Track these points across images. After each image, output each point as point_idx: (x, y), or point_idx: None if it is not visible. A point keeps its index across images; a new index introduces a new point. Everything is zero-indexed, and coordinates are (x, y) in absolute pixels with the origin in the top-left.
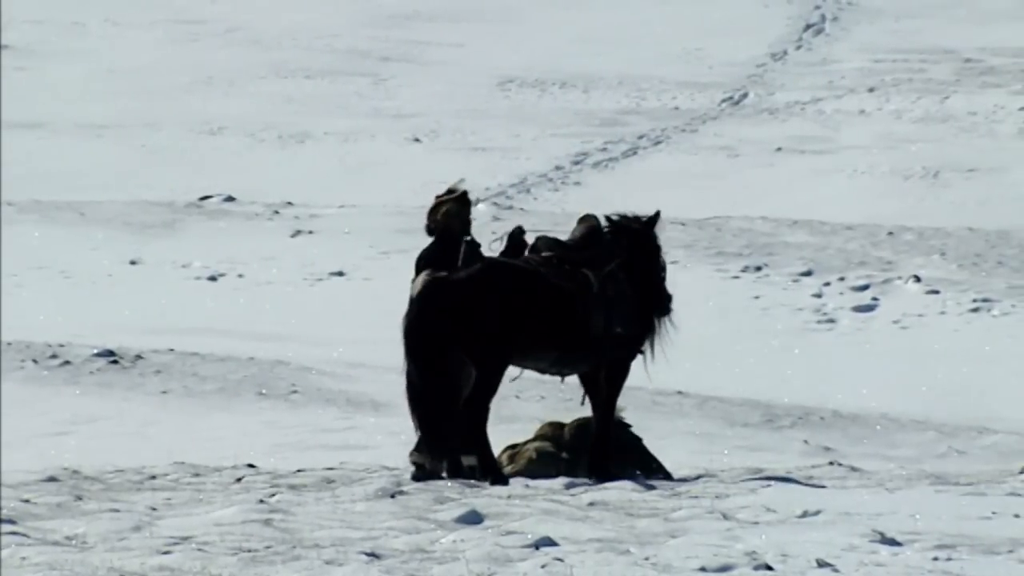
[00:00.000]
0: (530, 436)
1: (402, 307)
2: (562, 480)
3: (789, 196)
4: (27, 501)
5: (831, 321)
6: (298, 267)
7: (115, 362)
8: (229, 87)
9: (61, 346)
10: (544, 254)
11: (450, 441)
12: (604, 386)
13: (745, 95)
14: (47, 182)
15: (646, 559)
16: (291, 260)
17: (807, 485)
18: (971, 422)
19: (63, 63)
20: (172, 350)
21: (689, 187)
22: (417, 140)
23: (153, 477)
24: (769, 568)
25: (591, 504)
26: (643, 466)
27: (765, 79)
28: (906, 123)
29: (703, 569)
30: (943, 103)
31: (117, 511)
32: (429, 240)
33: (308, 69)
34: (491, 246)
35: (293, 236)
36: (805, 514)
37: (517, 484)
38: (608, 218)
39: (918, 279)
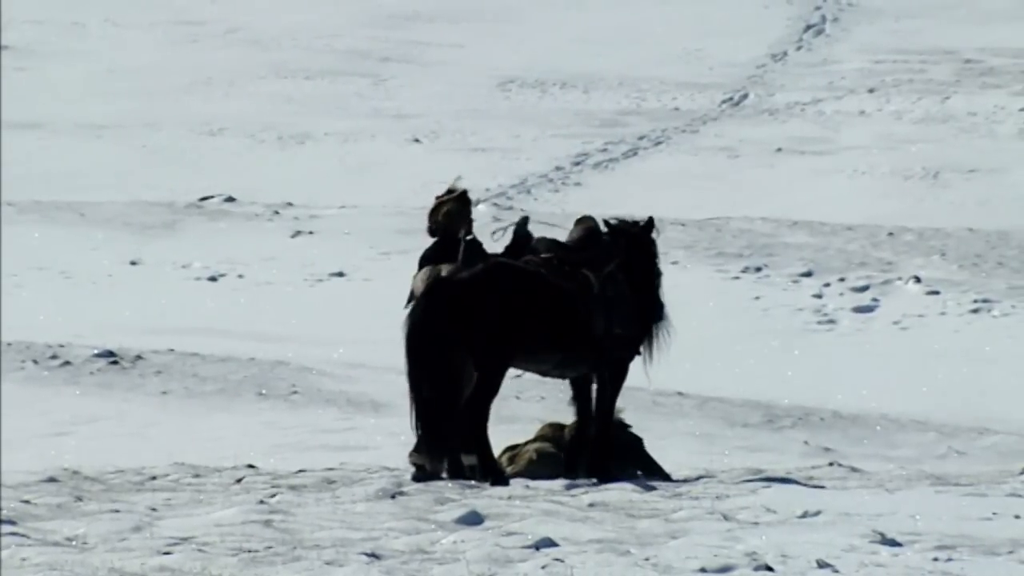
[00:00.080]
0: (530, 437)
1: (402, 307)
2: (562, 481)
3: (789, 197)
4: (27, 502)
5: (831, 322)
6: (298, 267)
7: (115, 363)
8: (229, 87)
9: (61, 346)
10: (543, 255)
11: (450, 441)
12: (603, 387)
13: (745, 96)
14: (47, 182)
15: (646, 560)
16: (291, 260)
17: (807, 486)
18: (971, 423)
19: (63, 63)
20: (172, 350)
21: (689, 188)
22: (417, 141)
23: (153, 478)
24: (769, 569)
25: (591, 505)
26: (644, 467)
27: (765, 80)
28: (906, 124)
29: (703, 570)
30: (943, 104)
31: (117, 512)
32: (431, 241)
33: (308, 69)
34: (493, 237)
35: (293, 236)
36: (805, 515)
37: (517, 485)
38: (606, 222)
39: (918, 280)
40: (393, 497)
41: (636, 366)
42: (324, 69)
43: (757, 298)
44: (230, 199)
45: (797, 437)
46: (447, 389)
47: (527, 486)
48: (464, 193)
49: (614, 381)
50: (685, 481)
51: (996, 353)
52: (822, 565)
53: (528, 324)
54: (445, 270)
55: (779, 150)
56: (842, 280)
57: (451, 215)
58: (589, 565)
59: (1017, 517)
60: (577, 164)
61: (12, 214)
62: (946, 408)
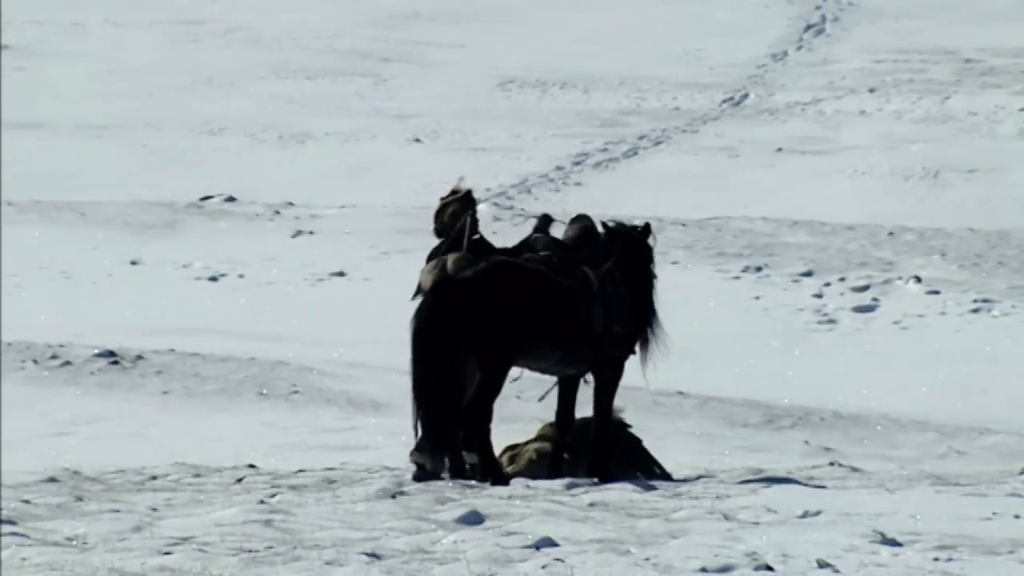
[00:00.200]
0: (531, 436)
1: (403, 307)
2: (562, 481)
3: (789, 196)
4: (27, 502)
5: (832, 322)
6: (299, 267)
7: (116, 363)
8: (230, 87)
9: (62, 346)
10: (542, 253)
11: (452, 440)
12: (601, 386)
13: (746, 96)
14: (47, 182)
15: (647, 560)
16: (292, 260)
17: (808, 486)
18: (971, 422)
19: (63, 63)
20: (173, 350)
21: (689, 188)
22: (418, 140)
23: (154, 478)
24: (770, 569)
25: (592, 505)
26: (644, 467)
27: (766, 80)
28: (906, 123)
29: (704, 570)
30: (943, 103)
31: (118, 512)
32: (435, 241)
33: (309, 69)
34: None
35: (294, 236)
36: (806, 514)
37: (518, 485)
38: (604, 223)
39: (919, 279)
40: (393, 497)
41: (632, 366)
42: (325, 69)
43: (757, 298)
44: (231, 199)
45: (797, 437)
46: (451, 388)
47: (527, 486)
48: (468, 193)
49: (613, 380)
50: (685, 481)
51: (996, 353)
52: (822, 565)
53: (530, 322)
54: (451, 261)
55: (779, 150)
56: (842, 280)
57: (456, 216)
58: (589, 565)
59: (1017, 517)
60: (577, 164)
61: (12, 214)
62: (946, 408)
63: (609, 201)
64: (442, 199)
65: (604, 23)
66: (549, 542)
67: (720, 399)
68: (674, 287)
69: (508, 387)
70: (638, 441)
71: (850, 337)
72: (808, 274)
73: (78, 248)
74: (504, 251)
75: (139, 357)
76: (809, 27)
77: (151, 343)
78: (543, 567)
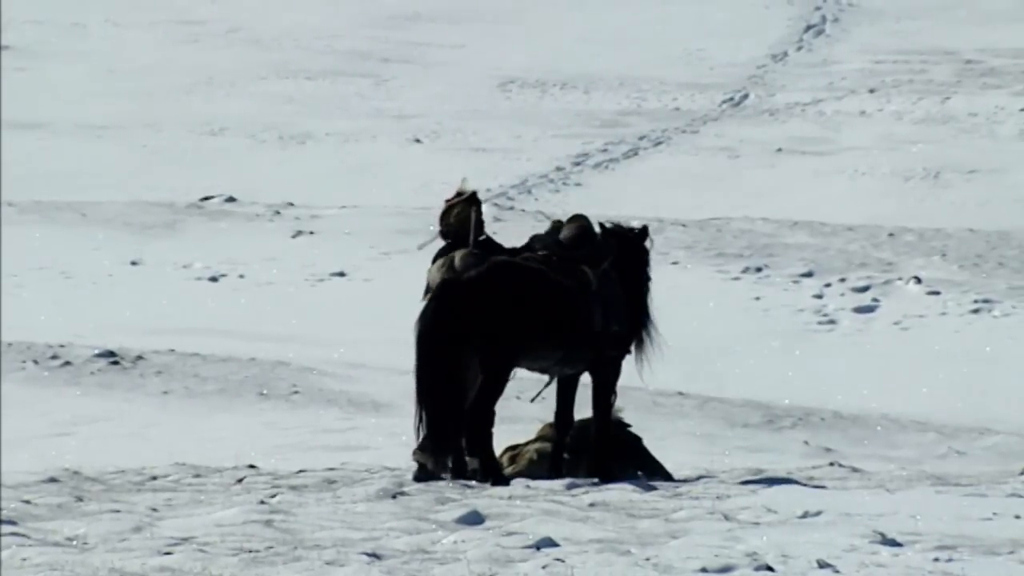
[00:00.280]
0: (531, 437)
1: (403, 307)
2: (562, 481)
3: (790, 197)
4: (28, 502)
5: (832, 322)
6: (299, 268)
7: (116, 363)
8: (230, 88)
9: (62, 347)
10: (540, 252)
11: (455, 441)
12: (600, 386)
13: (746, 96)
14: (47, 182)
15: (647, 560)
16: (292, 261)
17: (808, 486)
18: (972, 423)
19: (63, 63)
20: (173, 351)
21: (689, 188)
22: (418, 141)
23: (154, 478)
24: (770, 569)
25: (592, 505)
26: (644, 467)
27: (766, 80)
28: (907, 124)
29: (704, 570)
30: (944, 104)
31: (118, 512)
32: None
33: (309, 70)
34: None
35: (294, 237)
36: (806, 515)
37: (518, 485)
38: (601, 224)
39: (919, 280)
40: (394, 497)
41: (628, 366)
42: (325, 69)
43: (757, 298)
44: (231, 199)
45: (797, 437)
46: (455, 389)
47: (527, 486)
48: (474, 194)
49: (611, 380)
50: (685, 481)
51: (996, 353)
52: (822, 565)
53: (533, 322)
54: (459, 258)
55: (779, 150)
56: (843, 280)
57: (462, 217)
58: (589, 565)
59: (1017, 517)
60: (577, 164)
61: (12, 214)
62: (946, 408)
63: (609, 202)
64: (447, 201)
65: (604, 23)
66: (549, 542)
67: (720, 399)
68: (674, 287)
69: (508, 387)
70: (638, 440)
71: (850, 337)
72: (808, 275)
73: (78, 248)
74: (512, 251)
75: (139, 357)
76: (809, 28)
77: (151, 343)
78: (543, 567)
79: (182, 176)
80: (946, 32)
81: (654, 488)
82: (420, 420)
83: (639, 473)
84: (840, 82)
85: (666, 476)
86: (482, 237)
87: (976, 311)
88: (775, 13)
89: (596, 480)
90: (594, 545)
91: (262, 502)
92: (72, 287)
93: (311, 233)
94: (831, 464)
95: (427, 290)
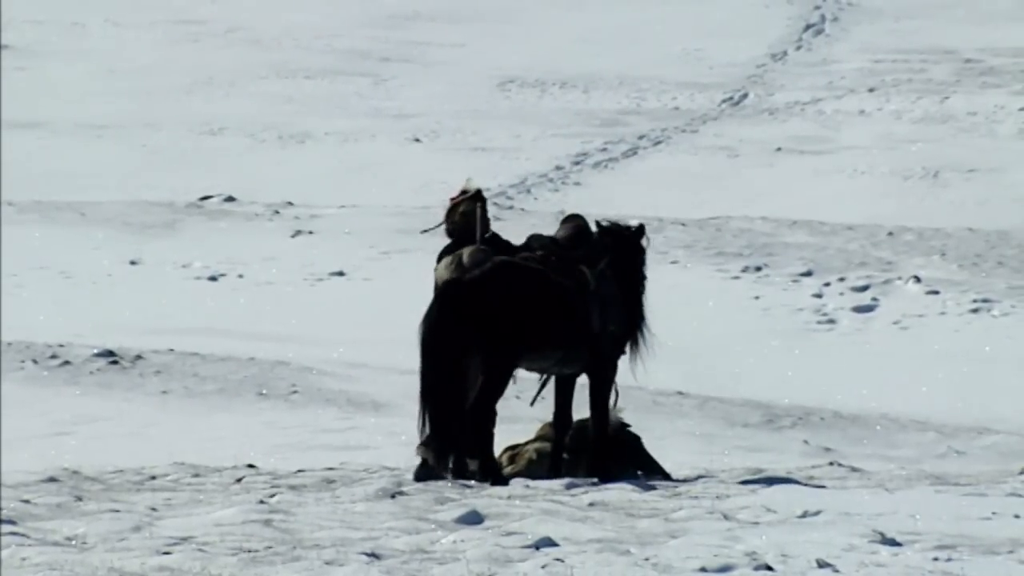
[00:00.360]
0: (530, 437)
1: (403, 306)
2: (562, 481)
3: (789, 196)
4: (27, 501)
5: (831, 321)
6: (298, 267)
7: (115, 362)
8: (229, 87)
9: (61, 346)
10: (539, 252)
11: (457, 441)
12: (598, 386)
13: (745, 95)
14: (47, 182)
15: (646, 559)
16: (291, 260)
17: (807, 485)
18: (971, 422)
19: (63, 63)
20: (172, 350)
21: (689, 187)
22: (417, 140)
23: (153, 477)
24: (769, 568)
25: (591, 504)
26: (644, 466)
27: (765, 79)
28: (906, 123)
29: (703, 569)
30: (943, 103)
31: (117, 511)
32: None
33: (308, 69)
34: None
35: (293, 236)
36: (805, 514)
37: (517, 485)
38: (598, 223)
39: (918, 279)
40: (393, 497)
41: (624, 366)
42: (324, 69)
43: (757, 298)
44: (230, 199)
45: (797, 437)
46: (458, 389)
47: (527, 486)
48: (478, 192)
49: (608, 379)
50: (685, 481)
51: (996, 353)
52: (822, 565)
53: (534, 322)
54: (467, 254)
55: (779, 150)
56: (842, 280)
57: (467, 215)
58: (589, 565)
59: (1017, 517)
60: (577, 164)
61: (12, 214)
62: (946, 408)
63: (609, 201)
64: (452, 199)
65: (604, 23)
66: (549, 542)
67: (720, 399)
68: (674, 287)
69: (509, 387)
70: (637, 440)
71: (850, 337)
72: (808, 274)
73: (78, 248)
74: (516, 248)
75: (139, 357)
76: (809, 27)
77: (151, 343)
78: (543, 567)
79: (181, 176)
80: (945, 31)
81: (653, 488)
82: (423, 420)
83: (638, 473)
84: (839, 81)
85: (665, 476)
86: (488, 234)
87: (975, 310)
88: (774, 12)
89: (595, 480)
90: (593, 545)
91: (261, 502)
92: (72, 287)
93: (310, 233)
94: (831, 464)
95: (436, 288)
